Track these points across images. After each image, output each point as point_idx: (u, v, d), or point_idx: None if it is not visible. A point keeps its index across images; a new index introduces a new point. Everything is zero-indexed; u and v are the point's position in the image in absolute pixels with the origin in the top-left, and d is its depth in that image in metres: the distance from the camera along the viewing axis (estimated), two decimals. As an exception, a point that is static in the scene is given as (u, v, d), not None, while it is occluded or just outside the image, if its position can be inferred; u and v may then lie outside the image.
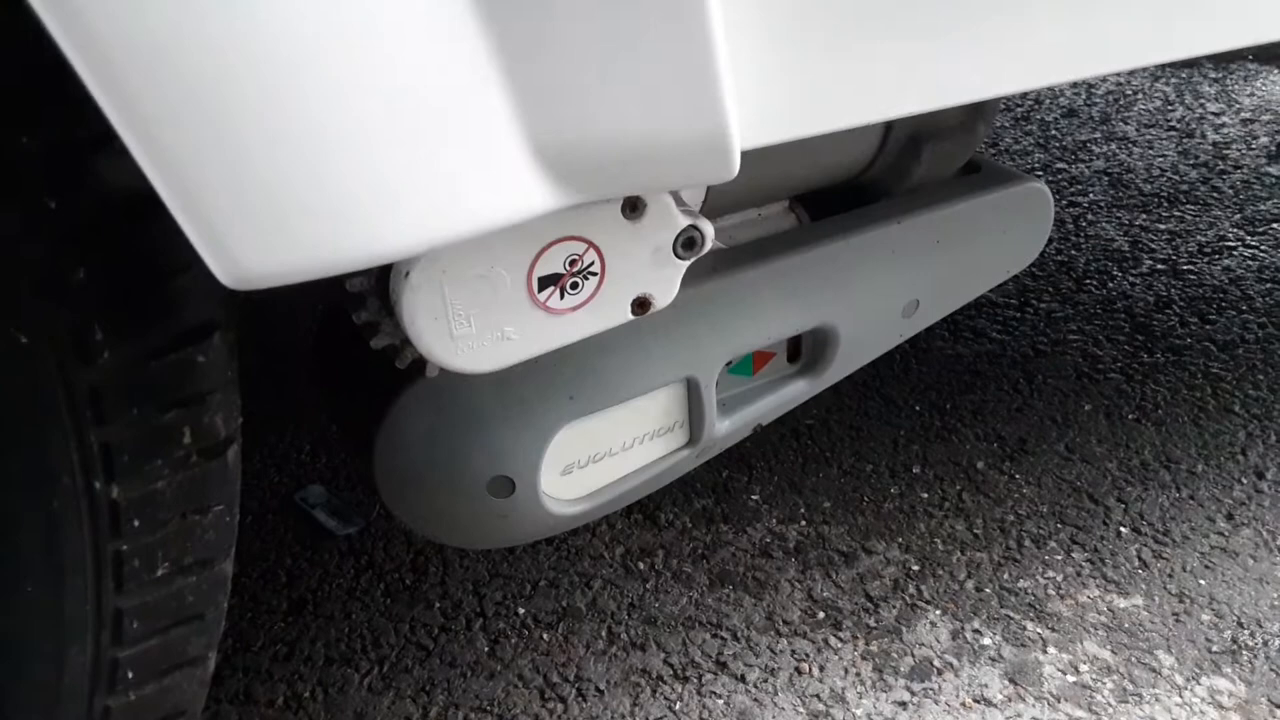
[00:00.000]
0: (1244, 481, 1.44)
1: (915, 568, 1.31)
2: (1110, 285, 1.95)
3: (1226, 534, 1.35)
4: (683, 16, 0.49)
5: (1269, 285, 1.93)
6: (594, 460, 0.89)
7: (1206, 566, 1.30)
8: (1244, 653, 1.17)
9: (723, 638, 1.21)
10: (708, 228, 0.72)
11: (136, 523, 0.59)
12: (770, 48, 0.57)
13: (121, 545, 0.60)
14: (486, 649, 1.20)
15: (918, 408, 1.62)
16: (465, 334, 0.68)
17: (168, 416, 0.58)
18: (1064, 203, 2.28)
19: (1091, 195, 2.31)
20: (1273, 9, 0.74)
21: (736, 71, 0.56)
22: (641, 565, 1.32)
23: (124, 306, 0.54)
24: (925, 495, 1.43)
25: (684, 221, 0.71)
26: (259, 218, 0.48)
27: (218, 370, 0.60)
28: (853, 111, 0.63)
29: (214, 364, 0.59)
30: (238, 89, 0.45)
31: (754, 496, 1.44)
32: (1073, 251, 2.08)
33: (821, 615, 1.24)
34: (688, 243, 0.72)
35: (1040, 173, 2.43)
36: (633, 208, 0.69)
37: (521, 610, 1.25)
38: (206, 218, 0.47)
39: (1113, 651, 1.18)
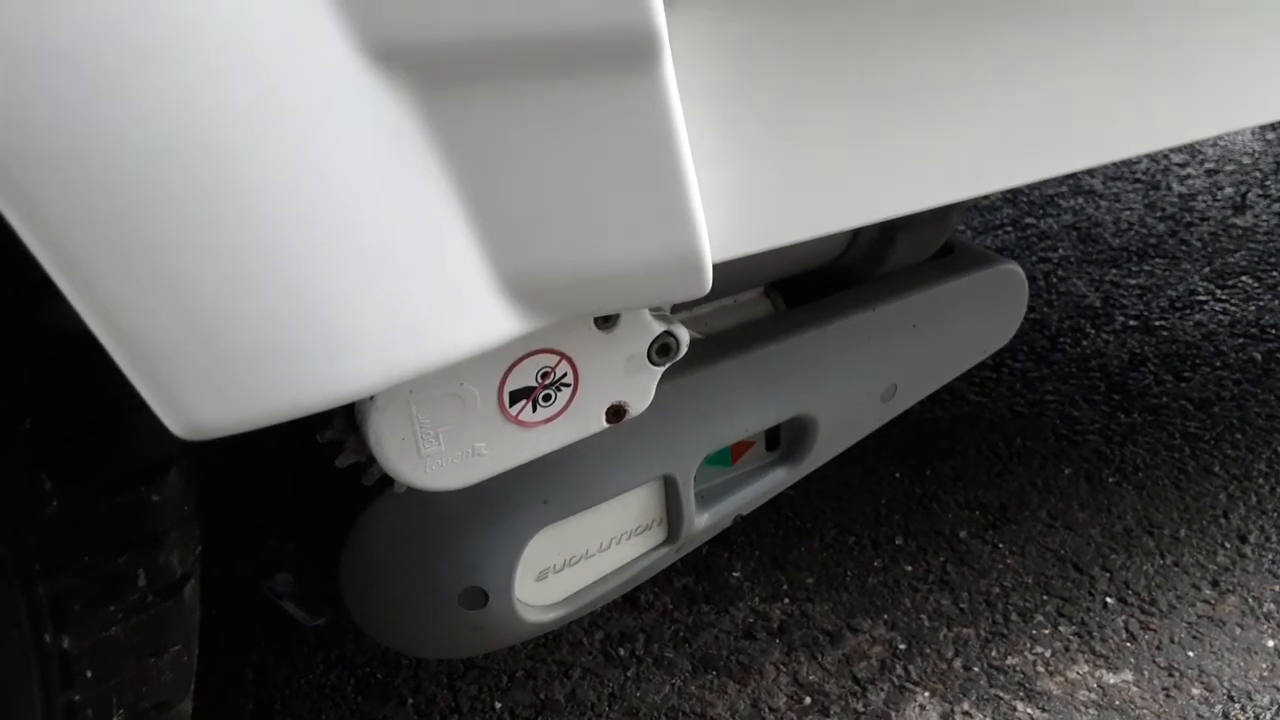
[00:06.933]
0: (1227, 546, 1.43)
1: (902, 646, 1.28)
2: (1084, 343, 1.95)
3: (1213, 602, 1.34)
4: (653, 149, 0.48)
5: (1241, 340, 1.94)
6: (570, 564, 0.86)
7: (1194, 637, 1.28)
8: (1237, 729, 1.15)
9: (707, 728, 1.17)
10: (682, 333, 0.70)
11: (89, 673, 0.56)
12: (737, 167, 0.56)
13: (74, 696, 0.57)
14: (464, 748, 1.16)
15: (898, 474, 1.61)
16: (434, 452, 0.66)
17: (121, 560, 0.55)
18: (1034, 259, 2.29)
19: (1061, 250, 2.32)
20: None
21: (705, 191, 0.54)
22: (622, 651, 1.28)
23: (73, 453, 0.52)
24: (909, 568, 1.41)
25: (658, 328, 0.69)
26: (210, 365, 0.45)
27: (173, 507, 0.57)
28: (822, 222, 0.62)
29: (169, 501, 0.57)
30: (181, 233, 0.43)
31: (735, 574, 1.41)
32: (1045, 309, 2.08)
33: (808, 700, 1.21)
34: (662, 349, 0.70)
35: (1009, 228, 2.44)
36: (605, 319, 0.67)
37: (498, 704, 1.21)
38: (153, 368, 0.45)
39: (1105, 732, 1.15)
